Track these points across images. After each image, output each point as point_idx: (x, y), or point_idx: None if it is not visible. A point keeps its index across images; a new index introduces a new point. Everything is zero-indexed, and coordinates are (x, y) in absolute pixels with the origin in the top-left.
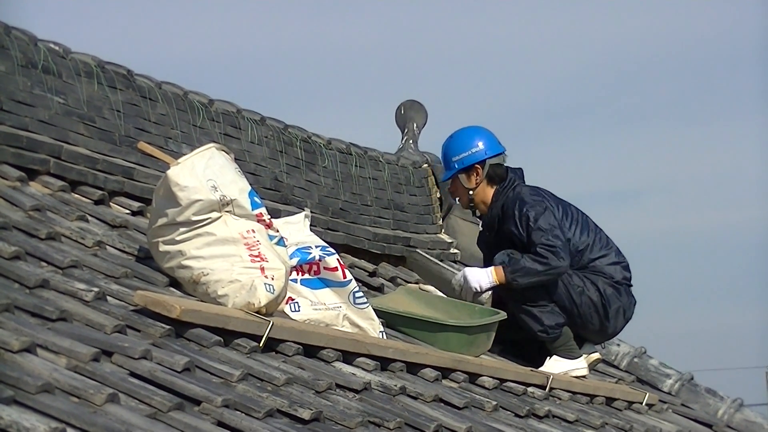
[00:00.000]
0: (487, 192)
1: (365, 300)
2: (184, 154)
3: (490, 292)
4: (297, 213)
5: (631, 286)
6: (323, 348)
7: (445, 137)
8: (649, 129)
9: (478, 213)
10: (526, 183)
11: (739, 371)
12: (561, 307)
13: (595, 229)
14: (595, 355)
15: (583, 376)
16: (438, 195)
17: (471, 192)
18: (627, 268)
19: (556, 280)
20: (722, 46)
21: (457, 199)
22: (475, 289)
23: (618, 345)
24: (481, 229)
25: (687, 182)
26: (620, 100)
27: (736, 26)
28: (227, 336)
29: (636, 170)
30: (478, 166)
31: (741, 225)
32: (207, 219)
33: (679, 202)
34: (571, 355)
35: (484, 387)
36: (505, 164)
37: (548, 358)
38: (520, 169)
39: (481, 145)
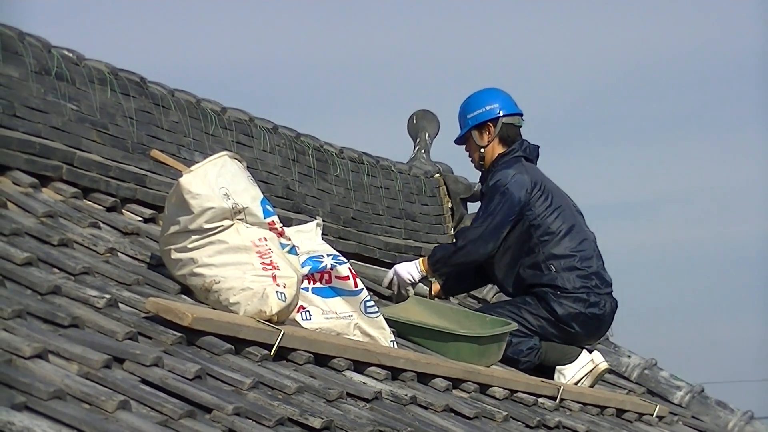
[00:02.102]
0: (496, 152)
1: (376, 309)
2: (197, 162)
3: (422, 284)
4: (309, 222)
5: (594, 291)
6: (334, 357)
7: (457, 147)
8: (668, 140)
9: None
10: (536, 164)
11: (750, 384)
12: (525, 334)
13: (572, 225)
14: (603, 365)
15: (595, 367)
16: (450, 205)
17: (482, 150)
18: (588, 276)
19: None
20: (741, 59)
21: (469, 156)
22: (409, 281)
23: (629, 356)
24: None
25: (705, 194)
26: (638, 111)
27: (754, 39)
28: (239, 344)
29: (654, 181)
30: (491, 124)
31: (757, 236)
32: (219, 227)
33: (696, 213)
34: (570, 360)
35: (494, 397)
36: (520, 127)
37: (555, 374)
38: (537, 146)
39: (496, 103)
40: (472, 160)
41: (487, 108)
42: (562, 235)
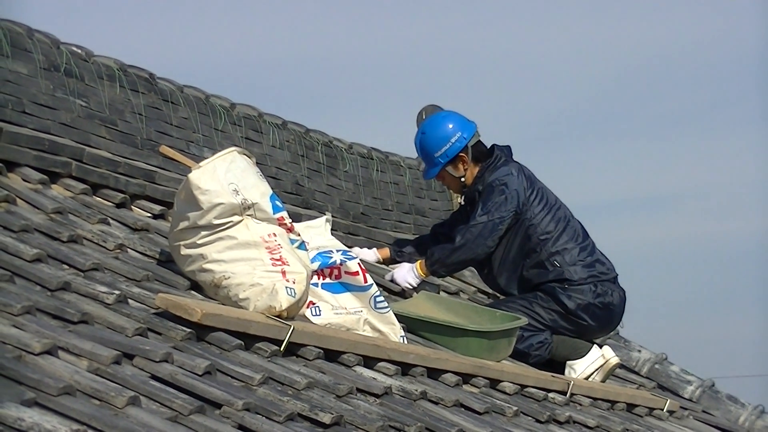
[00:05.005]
0: (475, 171)
1: (386, 304)
2: (206, 158)
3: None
4: (318, 217)
5: (600, 279)
6: (344, 352)
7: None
8: (686, 135)
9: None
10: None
11: (761, 378)
12: (537, 328)
13: (566, 220)
14: (614, 360)
15: (606, 362)
16: (459, 200)
17: (462, 179)
18: (591, 265)
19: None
20: (755, 55)
21: (446, 186)
22: (407, 288)
23: (639, 351)
24: (462, 203)
25: (719, 189)
26: (656, 105)
27: (760, 33)
28: (248, 340)
29: (665, 177)
30: (463, 154)
31: None
32: (228, 222)
33: (710, 208)
34: (581, 355)
35: (504, 392)
36: (480, 138)
37: (565, 368)
38: (508, 146)
39: (458, 132)
40: (449, 188)
41: (453, 141)
42: (560, 231)
